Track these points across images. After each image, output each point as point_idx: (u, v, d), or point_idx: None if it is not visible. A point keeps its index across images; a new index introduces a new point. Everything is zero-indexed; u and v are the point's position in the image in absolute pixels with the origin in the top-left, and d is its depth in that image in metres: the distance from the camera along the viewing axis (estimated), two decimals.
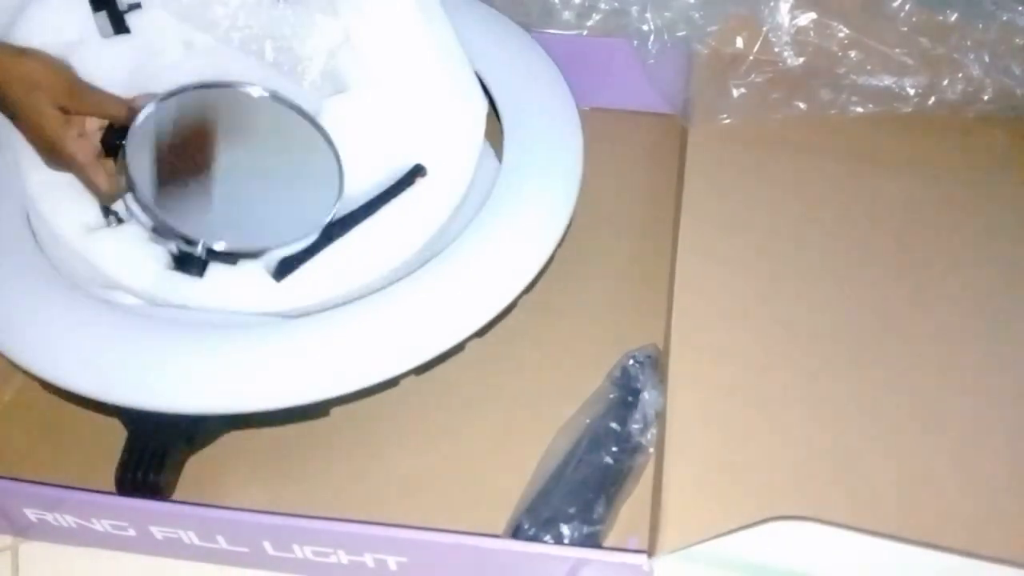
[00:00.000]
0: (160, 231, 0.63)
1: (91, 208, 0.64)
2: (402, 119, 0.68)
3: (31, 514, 0.59)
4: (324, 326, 0.62)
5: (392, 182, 0.67)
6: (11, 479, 0.59)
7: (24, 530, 0.63)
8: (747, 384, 0.62)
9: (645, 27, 0.80)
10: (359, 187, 0.66)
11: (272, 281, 0.63)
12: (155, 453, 0.60)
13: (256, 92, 0.65)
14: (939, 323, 0.66)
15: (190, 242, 0.62)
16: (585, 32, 0.84)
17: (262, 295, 0.63)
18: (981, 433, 0.60)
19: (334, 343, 0.62)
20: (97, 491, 0.57)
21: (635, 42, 0.80)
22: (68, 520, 0.59)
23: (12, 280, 0.65)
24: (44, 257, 0.66)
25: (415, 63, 0.68)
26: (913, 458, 0.59)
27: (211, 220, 0.63)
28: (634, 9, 0.80)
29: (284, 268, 0.63)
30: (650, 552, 0.54)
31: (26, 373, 0.63)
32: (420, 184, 0.67)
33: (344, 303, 0.64)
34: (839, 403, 0.62)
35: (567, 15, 0.83)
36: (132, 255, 0.63)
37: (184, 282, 0.63)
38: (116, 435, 0.66)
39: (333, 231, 0.65)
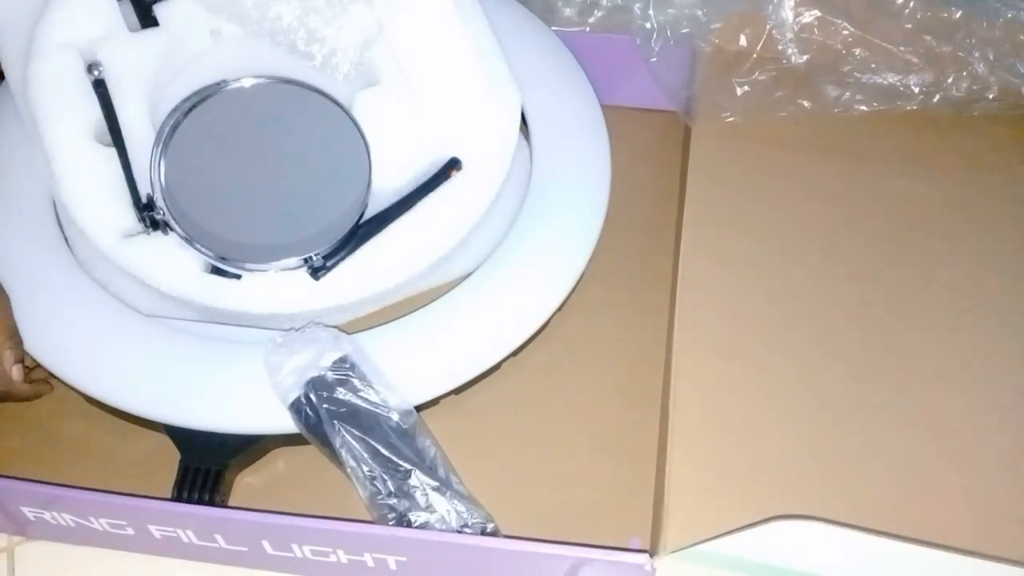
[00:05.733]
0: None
1: (127, 215, 0.63)
2: (437, 112, 0.67)
3: (29, 512, 0.59)
4: (369, 346, 0.63)
5: (428, 176, 0.66)
6: (9, 477, 0.58)
7: (22, 528, 0.62)
8: (749, 383, 0.62)
9: (648, 24, 0.79)
10: (394, 182, 0.66)
11: (310, 280, 0.63)
12: (208, 473, 0.60)
13: (269, 81, 0.65)
14: (942, 321, 0.65)
15: (223, 258, 0.62)
16: (587, 29, 0.83)
17: (301, 295, 0.63)
18: (983, 432, 0.60)
19: (379, 363, 0.62)
20: (95, 489, 0.57)
21: (637, 40, 0.80)
22: (66, 519, 0.59)
23: (55, 295, 0.65)
24: (76, 263, 0.66)
25: (450, 55, 0.67)
26: (916, 457, 0.59)
27: (242, 225, 0.64)
28: (636, 6, 0.80)
29: (322, 267, 0.63)
30: (652, 552, 0.54)
31: (77, 392, 0.63)
32: (456, 178, 0.66)
33: (383, 302, 0.65)
34: (842, 402, 0.61)
35: (568, 12, 0.83)
36: (169, 260, 0.63)
37: (222, 285, 0.63)
38: (114, 434, 0.66)
39: (370, 228, 0.64)
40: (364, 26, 0.66)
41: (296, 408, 0.60)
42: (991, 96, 0.76)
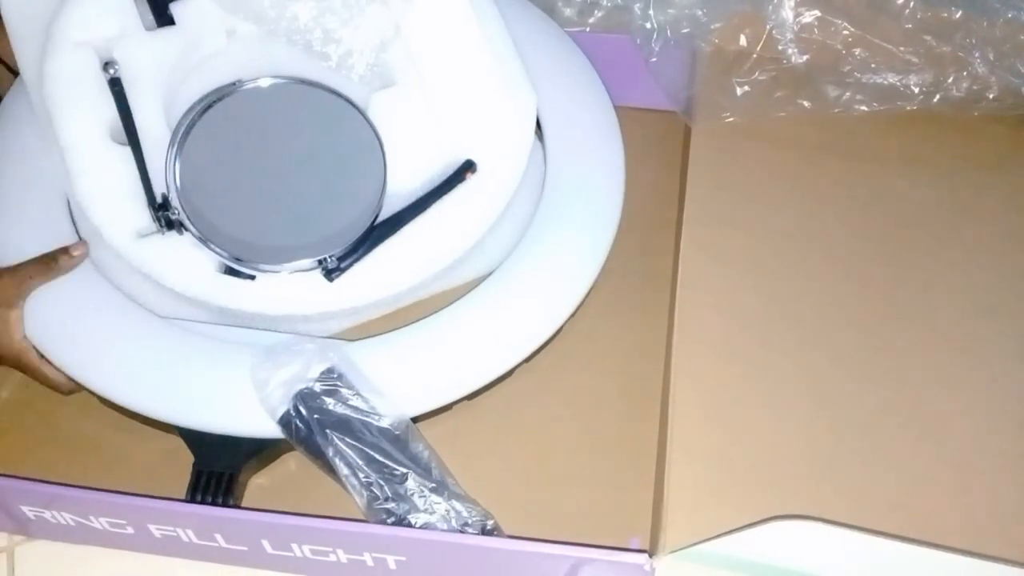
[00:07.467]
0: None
1: (142, 214, 0.63)
2: (452, 114, 0.67)
3: (29, 511, 0.59)
4: (385, 351, 0.63)
5: (443, 178, 0.66)
6: (9, 476, 0.58)
7: (23, 527, 0.62)
8: (749, 382, 0.62)
9: (648, 24, 0.79)
10: (409, 184, 0.66)
11: (324, 282, 0.63)
12: (221, 477, 0.60)
13: (286, 82, 0.65)
14: (942, 321, 0.65)
15: (238, 259, 0.62)
16: (587, 29, 0.83)
17: (315, 296, 0.63)
18: (982, 433, 0.60)
19: (394, 369, 0.62)
20: (95, 488, 0.57)
21: (637, 40, 0.80)
22: (66, 518, 0.59)
23: (69, 295, 0.64)
24: (91, 263, 0.66)
25: (466, 57, 0.67)
26: (915, 457, 0.59)
27: (256, 226, 0.64)
28: (636, 6, 0.80)
29: (336, 269, 0.63)
30: (652, 552, 0.54)
31: (90, 392, 0.63)
32: (471, 180, 0.66)
33: (397, 304, 0.66)
34: (842, 402, 0.61)
35: (569, 12, 0.83)
36: (183, 260, 0.63)
37: (236, 285, 0.63)
38: (113, 433, 0.66)
39: (384, 230, 0.64)
40: (380, 27, 0.66)
41: (285, 422, 0.59)
42: (991, 96, 0.76)
